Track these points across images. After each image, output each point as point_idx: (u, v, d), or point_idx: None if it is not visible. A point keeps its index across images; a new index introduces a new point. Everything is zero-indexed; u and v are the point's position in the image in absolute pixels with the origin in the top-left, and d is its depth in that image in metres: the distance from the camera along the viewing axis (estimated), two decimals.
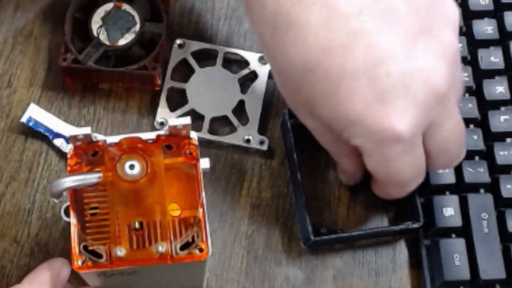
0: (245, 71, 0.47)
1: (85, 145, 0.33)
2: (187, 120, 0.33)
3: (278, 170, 0.45)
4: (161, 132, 0.34)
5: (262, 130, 0.46)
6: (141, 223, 0.32)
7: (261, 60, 0.47)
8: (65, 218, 0.33)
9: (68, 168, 0.33)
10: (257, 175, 0.45)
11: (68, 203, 0.33)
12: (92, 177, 0.32)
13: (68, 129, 0.45)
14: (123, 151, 0.33)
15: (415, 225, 0.42)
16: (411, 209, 0.43)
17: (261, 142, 0.45)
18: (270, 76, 0.47)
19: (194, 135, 0.34)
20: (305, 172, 0.45)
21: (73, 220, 0.32)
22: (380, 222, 0.44)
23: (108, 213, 0.32)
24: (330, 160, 0.45)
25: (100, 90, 0.47)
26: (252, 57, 0.47)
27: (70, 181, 0.32)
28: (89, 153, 0.33)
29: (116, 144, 0.33)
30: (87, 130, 0.33)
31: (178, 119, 0.33)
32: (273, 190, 0.45)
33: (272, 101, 0.47)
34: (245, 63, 0.47)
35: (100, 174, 0.32)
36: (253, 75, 0.47)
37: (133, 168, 0.32)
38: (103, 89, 0.47)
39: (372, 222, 0.44)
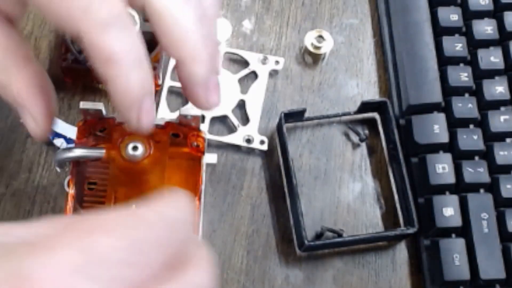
0: (245, 71, 0.47)
1: (95, 121, 0.34)
2: (198, 112, 0.33)
3: (279, 170, 0.45)
4: (171, 120, 0.34)
5: (262, 130, 0.46)
6: None
7: (261, 60, 0.47)
8: (67, 189, 0.34)
9: (75, 140, 0.34)
10: (257, 175, 0.45)
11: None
12: (96, 152, 0.33)
13: (69, 129, 0.45)
14: (129, 132, 0.33)
15: (410, 231, 0.42)
16: (407, 214, 0.43)
17: (261, 142, 0.45)
18: (270, 76, 0.47)
19: (204, 128, 0.34)
20: (303, 174, 0.45)
21: (71, 190, 0.33)
22: (377, 226, 0.44)
23: (106, 190, 0.33)
24: (329, 162, 0.45)
25: (100, 90, 0.47)
26: (252, 57, 0.47)
27: (74, 152, 0.33)
28: (98, 129, 0.34)
29: (124, 124, 0.34)
30: (99, 105, 0.33)
31: (189, 110, 0.33)
32: (273, 190, 0.45)
33: (272, 101, 0.47)
34: (245, 63, 0.47)
35: (104, 151, 0.33)
36: (253, 75, 0.47)
37: (136, 149, 0.32)
38: (103, 89, 0.47)
39: (369, 225, 0.44)
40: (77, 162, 0.34)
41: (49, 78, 0.33)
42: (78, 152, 0.33)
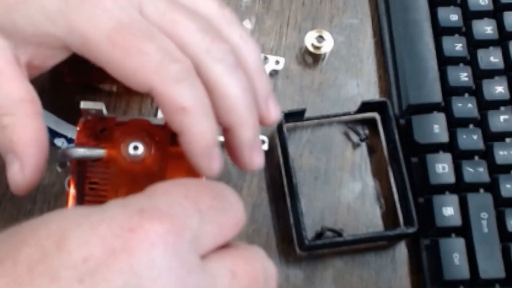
0: None
1: (95, 120, 0.34)
2: None
3: (279, 170, 0.45)
4: None
5: (262, 130, 0.46)
6: None
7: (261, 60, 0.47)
8: (67, 189, 0.34)
9: (76, 140, 0.34)
10: (257, 175, 0.45)
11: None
12: (96, 152, 0.33)
13: (70, 129, 0.45)
14: (130, 132, 0.33)
15: (410, 230, 0.42)
16: (407, 214, 0.43)
17: (262, 142, 0.45)
18: (270, 76, 0.47)
19: None
20: (303, 174, 0.45)
21: (72, 190, 0.33)
22: (377, 226, 0.44)
23: (107, 191, 0.33)
24: (329, 162, 0.45)
25: (101, 90, 0.47)
26: None
27: (74, 152, 0.33)
28: (98, 129, 0.34)
29: (125, 124, 0.34)
30: (100, 105, 0.33)
31: None
32: (273, 190, 0.45)
33: None
34: None
35: (104, 151, 0.33)
36: None
37: (136, 149, 0.32)
38: (104, 89, 0.47)
39: (369, 225, 0.44)
40: (78, 162, 0.34)
41: (47, 139, 0.34)
42: (78, 152, 0.33)
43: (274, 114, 0.36)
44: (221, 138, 0.46)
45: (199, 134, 0.31)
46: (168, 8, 0.33)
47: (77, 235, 0.23)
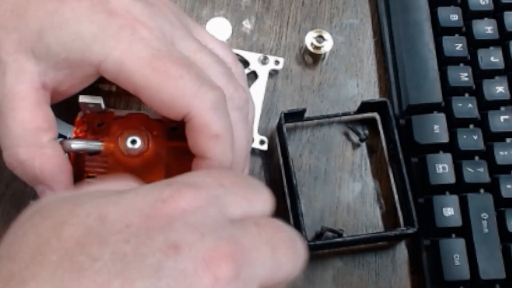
0: (245, 71, 0.47)
1: (94, 115, 0.34)
2: None
3: (278, 170, 0.45)
4: None
5: (262, 130, 0.46)
6: None
7: (261, 60, 0.47)
8: None
9: (74, 134, 0.34)
10: (257, 175, 0.45)
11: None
12: (94, 145, 0.33)
13: (69, 129, 0.45)
14: (128, 125, 0.33)
15: (410, 231, 0.42)
16: (407, 214, 0.43)
17: (261, 142, 0.45)
18: (270, 76, 0.47)
19: None
20: (303, 174, 0.45)
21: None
22: (377, 226, 0.44)
23: None
24: (329, 162, 0.45)
25: (100, 90, 0.47)
26: (252, 57, 0.47)
27: (72, 144, 0.33)
28: (96, 123, 0.34)
29: (122, 118, 0.34)
30: (98, 99, 0.33)
31: None
32: (273, 190, 0.45)
33: (272, 101, 0.47)
34: (245, 63, 0.47)
35: (102, 144, 0.33)
36: (253, 75, 0.47)
37: (134, 143, 0.32)
38: (103, 89, 0.47)
39: (369, 226, 0.44)
40: (76, 156, 0.34)
41: (65, 155, 0.34)
42: (76, 145, 0.33)
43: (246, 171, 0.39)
44: None
45: (223, 163, 0.32)
46: (199, 48, 0.34)
47: (115, 211, 0.25)
